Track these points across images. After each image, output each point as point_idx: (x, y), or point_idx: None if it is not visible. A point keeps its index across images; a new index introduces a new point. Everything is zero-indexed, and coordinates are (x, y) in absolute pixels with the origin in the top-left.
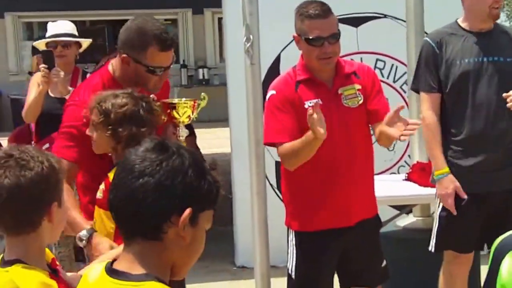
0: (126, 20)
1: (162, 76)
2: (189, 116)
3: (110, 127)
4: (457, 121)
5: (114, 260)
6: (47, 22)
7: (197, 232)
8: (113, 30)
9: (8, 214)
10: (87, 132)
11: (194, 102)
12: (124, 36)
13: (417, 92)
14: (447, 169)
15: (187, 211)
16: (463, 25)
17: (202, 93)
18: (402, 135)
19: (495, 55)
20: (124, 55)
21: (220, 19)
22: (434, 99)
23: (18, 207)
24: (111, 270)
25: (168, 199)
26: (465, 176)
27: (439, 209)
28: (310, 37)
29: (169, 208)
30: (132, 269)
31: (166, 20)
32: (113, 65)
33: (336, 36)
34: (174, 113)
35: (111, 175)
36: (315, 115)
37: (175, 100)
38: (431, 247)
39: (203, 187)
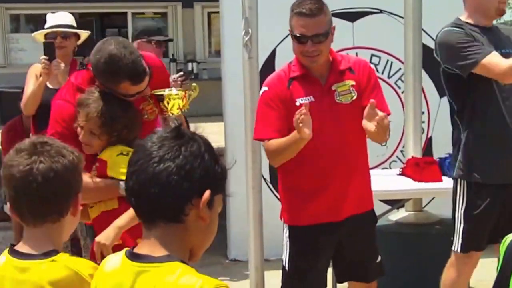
0: (115, 13)
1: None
2: (179, 107)
3: (115, 133)
4: (480, 110)
5: (134, 246)
6: (34, 15)
7: (213, 215)
8: (101, 23)
9: (39, 200)
10: (81, 138)
11: (185, 93)
12: (96, 65)
13: (466, 73)
14: None
15: (207, 192)
16: (469, 21)
17: (193, 84)
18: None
19: (504, 47)
20: (98, 83)
21: (209, 13)
22: (499, 55)
23: (51, 193)
24: (132, 255)
25: (190, 181)
26: (491, 165)
27: (462, 208)
28: (295, 34)
29: (190, 191)
30: (155, 253)
31: (155, 13)
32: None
33: (320, 36)
34: (161, 104)
35: (102, 155)
36: (303, 115)
37: (166, 91)
38: (457, 247)
39: (217, 171)
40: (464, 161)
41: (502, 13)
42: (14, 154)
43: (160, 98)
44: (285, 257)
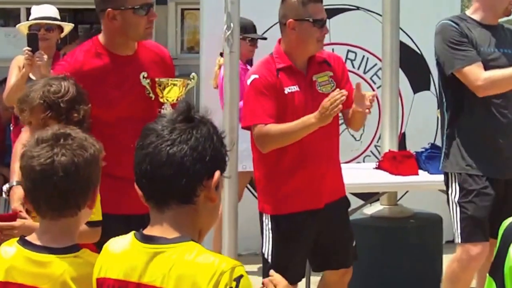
0: (88, 10)
1: (149, 17)
2: (177, 95)
3: (63, 116)
4: (474, 107)
5: (143, 228)
6: (6, 9)
7: (218, 196)
8: (74, 19)
9: (58, 194)
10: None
11: (183, 82)
12: None
13: (452, 74)
14: None
15: (218, 172)
16: (474, 16)
17: (193, 73)
18: (367, 108)
19: (506, 47)
20: (109, 9)
21: (183, 10)
22: (481, 66)
23: (70, 188)
24: (144, 237)
25: (202, 163)
26: (479, 159)
27: (457, 197)
28: (317, 19)
29: (202, 171)
30: (168, 234)
31: None
32: (102, 33)
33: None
34: (158, 90)
35: None
36: (340, 105)
37: (163, 79)
38: (458, 238)
39: (223, 152)
40: (453, 155)
41: (509, 13)
42: (35, 145)
43: (159, 83)
44: (267, 249)
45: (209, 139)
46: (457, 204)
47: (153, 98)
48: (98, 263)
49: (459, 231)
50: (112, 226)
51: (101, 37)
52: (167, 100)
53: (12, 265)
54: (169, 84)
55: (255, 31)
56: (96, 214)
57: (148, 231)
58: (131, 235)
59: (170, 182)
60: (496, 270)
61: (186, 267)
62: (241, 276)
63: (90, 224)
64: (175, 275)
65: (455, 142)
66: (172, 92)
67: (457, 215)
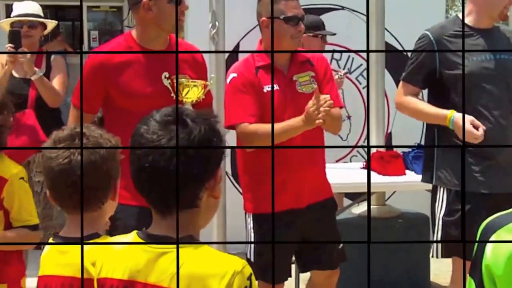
0: (70, 6)
1: (181, 8)
2: (196, 96)
3: None
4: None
5: (146, 228)
6: None
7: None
8: (56, 16)
9: (78, 192)
10: None
11: (204, 83)
12: None
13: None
14: (451, 111)
15: (220, 172)
16: (467, 20)
17: (212, 75)
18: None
19: (501, 52)
20: (144, 0)
21: None
22: (411, 91)
23: (90, 184)
24: (149, 237)
25: (204, 168)
26: (470, 173)
27: (441, 213)
28: (288, 15)
29: (205, 176)
30: (173, 234)
31: (111, 7)
32: (135, 27)
33: (304, 18)
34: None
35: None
36: (329, 108)
37: (182, 79)
38: (436, 254)
39: (220, 147)
40: (445, 169)
41: (504, 17)
42: (52, 145)
43: (179, 82)
44: (250, 248)
45: (207, 140)
46: (442, 221)
47: (174, 98)
48: (98, 263)
49: (440, 247)
50: (142, 219)
51: (133, 31)
52: (187, 100)
53: (45, 260)
54: (189, 85)
55: (324, 28)
56: (34, 217)
57: (152, 230)
58: (133, 234)
59: (174, 192)
60: (474, 269)
61: (196, 267)
62: (251, 274)
63: (32, 227)
64: (184, 275)
65: (448, 156)
66: (191, 93)
67: (438, 232)
